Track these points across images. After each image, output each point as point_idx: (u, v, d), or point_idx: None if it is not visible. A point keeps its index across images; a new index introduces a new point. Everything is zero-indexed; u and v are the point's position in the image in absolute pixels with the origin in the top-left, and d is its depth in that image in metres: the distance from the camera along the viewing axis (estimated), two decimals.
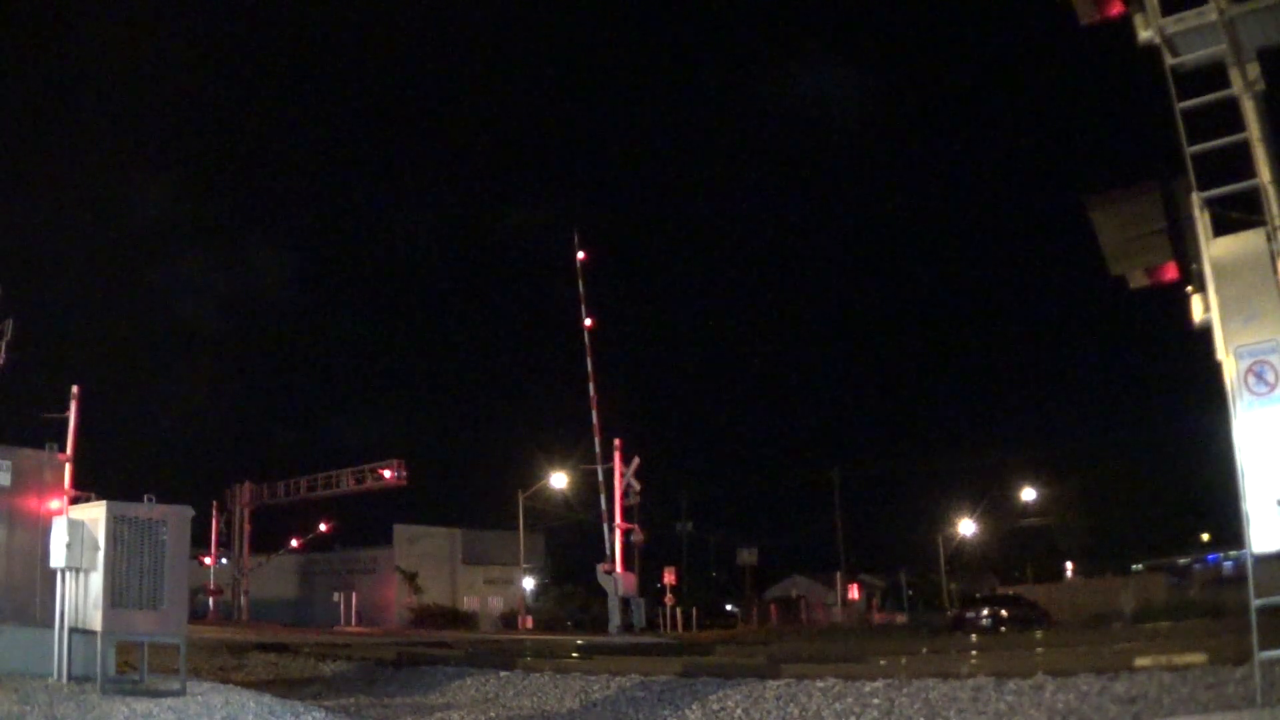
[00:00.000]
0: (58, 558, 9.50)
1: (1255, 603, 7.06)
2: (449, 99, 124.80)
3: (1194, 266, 8.01)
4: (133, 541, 9.37)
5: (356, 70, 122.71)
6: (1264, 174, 7.69)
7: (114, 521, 9.33)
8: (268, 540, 54.89)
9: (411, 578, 52.84)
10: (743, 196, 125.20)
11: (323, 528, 53.14)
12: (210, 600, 49.00)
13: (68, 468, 13.44)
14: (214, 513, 51.40)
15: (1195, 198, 7.82)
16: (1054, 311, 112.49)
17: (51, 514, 10.51)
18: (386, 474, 49.38)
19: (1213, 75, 8.00)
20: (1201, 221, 7.79)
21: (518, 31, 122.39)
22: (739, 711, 10.35)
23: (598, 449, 42.23)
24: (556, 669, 13.70)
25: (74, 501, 11.96)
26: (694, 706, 10.71)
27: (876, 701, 9.83)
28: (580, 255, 44.46)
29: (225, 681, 11.55)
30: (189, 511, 9.94)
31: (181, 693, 9.06)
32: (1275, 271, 7.46)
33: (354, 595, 50.24)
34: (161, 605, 9.47)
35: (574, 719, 11.09)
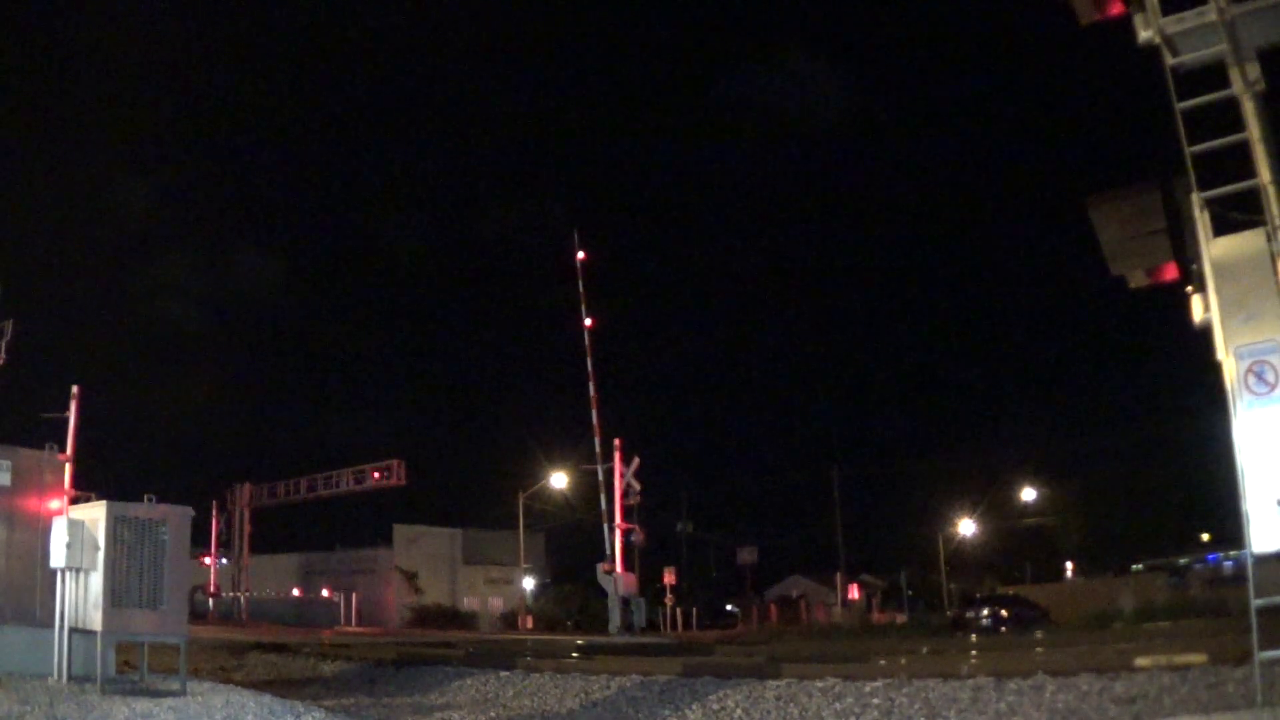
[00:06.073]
0: (58, 558, 9.51)
1: (1255, 603, 7.06)
2: (449, 98, 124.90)
3: (1194, 266, 8.01)
4: (133, 541, 9.39)
5: (355, 70, 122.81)
6: (1264, 174, 7.69)
7: (114, 521, 9.35)
8: (268, 540, 54.96)
9: (411, 578, 52.81)
10: (743, 196, 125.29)
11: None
12: (210, 600, 48.97)
13: (68, 468, 13.43)
14: (214, 513, 51.36)
15: (1195, 198, 7.83)
16: (1054, 311, 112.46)
17: (51, 514, 10.52)
18: (384, 474, 49.35)
19: (1213, 75, 7.99)
20: (1201, 221, 7.79)
21: (517, 31, 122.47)
22: (739, 711, 10.35)
23: (598, 449, 42.17)
24: (557, 669, 13.69)
25: (74, 501, 11.96)
26: (694, 706, 10.71)
27: (876, 701, 9.83)
28: (580, 255, 44.40)
29: (225, 681, 11.57)
30: (189, 511, 9.95)
31: (181, 693, 9.06)
32: (1275, 271, 7.46)
33: (354, 595, 50.20)
34: (161, 605, 9.48)
35: (574, 719, 11.09)
